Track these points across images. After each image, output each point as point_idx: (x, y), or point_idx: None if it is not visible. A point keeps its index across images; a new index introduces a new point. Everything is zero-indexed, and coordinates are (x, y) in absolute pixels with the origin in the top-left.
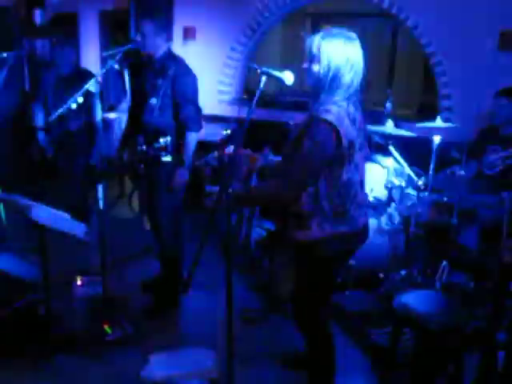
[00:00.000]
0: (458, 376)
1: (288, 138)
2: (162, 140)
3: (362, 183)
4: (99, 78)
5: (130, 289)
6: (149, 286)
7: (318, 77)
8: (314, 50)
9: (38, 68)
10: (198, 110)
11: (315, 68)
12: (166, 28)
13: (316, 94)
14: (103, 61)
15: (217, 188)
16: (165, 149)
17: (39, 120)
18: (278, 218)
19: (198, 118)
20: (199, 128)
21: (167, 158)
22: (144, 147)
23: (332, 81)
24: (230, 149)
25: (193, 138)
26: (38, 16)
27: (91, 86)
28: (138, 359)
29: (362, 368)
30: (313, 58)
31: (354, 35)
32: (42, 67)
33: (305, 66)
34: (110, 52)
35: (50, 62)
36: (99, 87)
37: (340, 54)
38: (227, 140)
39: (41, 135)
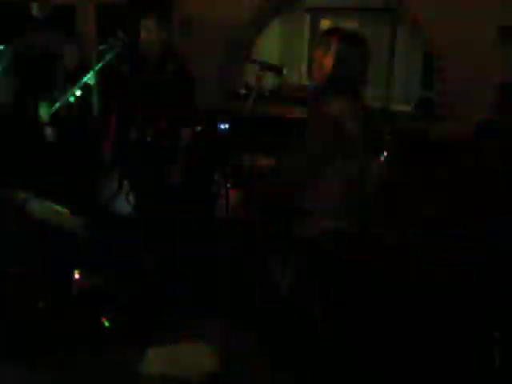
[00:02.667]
0: None
1: (291, 135)
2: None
3: (364, 178)
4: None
5: (129, 282)
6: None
7: (321, 72)
8: (319, 46)
9: (40, 62)
10: (195, 107)
11: (318, 63)
12: (169, 21)
13: (319, 90)
14: (99, 54)
15: None
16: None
17: (44, 115)
18: (279, 216)
19: (195, 115)
20: (196, 124)
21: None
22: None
23: (334, 76)
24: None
25: (189, 135)
26: (37, 9)
27: (90, 79)
28: (137, 353)
29: None
30: (316, 54)
31: (357, 31)
32: (44, 61)
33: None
34: (108, 45)
35: (51, 55)
36: (97, 81)
37: (343, 50)
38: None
39: (47, 130)
